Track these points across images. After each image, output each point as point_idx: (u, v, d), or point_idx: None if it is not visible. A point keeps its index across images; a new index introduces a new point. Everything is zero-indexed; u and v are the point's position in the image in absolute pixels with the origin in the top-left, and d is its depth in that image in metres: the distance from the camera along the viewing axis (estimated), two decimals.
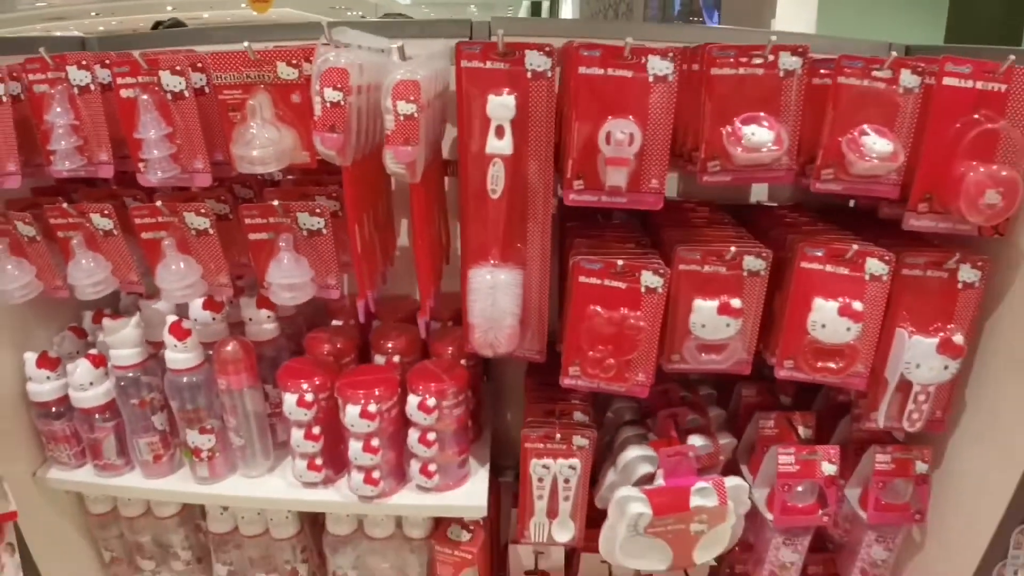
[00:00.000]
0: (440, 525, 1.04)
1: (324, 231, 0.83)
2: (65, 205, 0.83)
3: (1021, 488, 0.83)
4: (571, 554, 1.09)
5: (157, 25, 4.08)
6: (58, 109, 0.79)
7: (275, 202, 0.80)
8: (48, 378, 0.95)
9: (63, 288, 0.90)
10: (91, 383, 0.94)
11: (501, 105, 0.74)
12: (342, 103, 0.70)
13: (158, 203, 0.81)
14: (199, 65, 0.76)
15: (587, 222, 0.96)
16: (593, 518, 0.97)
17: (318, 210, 0.81)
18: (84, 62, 0.77)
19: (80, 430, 0.98)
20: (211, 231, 0.83)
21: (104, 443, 0.97)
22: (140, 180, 0.80)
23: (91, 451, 0.98)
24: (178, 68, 0.75)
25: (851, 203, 1.07)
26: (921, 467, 0.93)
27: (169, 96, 0.76)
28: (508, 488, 1.15)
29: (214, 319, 0.96)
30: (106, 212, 0.83)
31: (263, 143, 0.76)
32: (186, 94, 0.76)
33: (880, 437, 0.97)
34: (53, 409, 0.97)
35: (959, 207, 0.76)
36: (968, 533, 0.90)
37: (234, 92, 0.76)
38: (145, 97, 0.75)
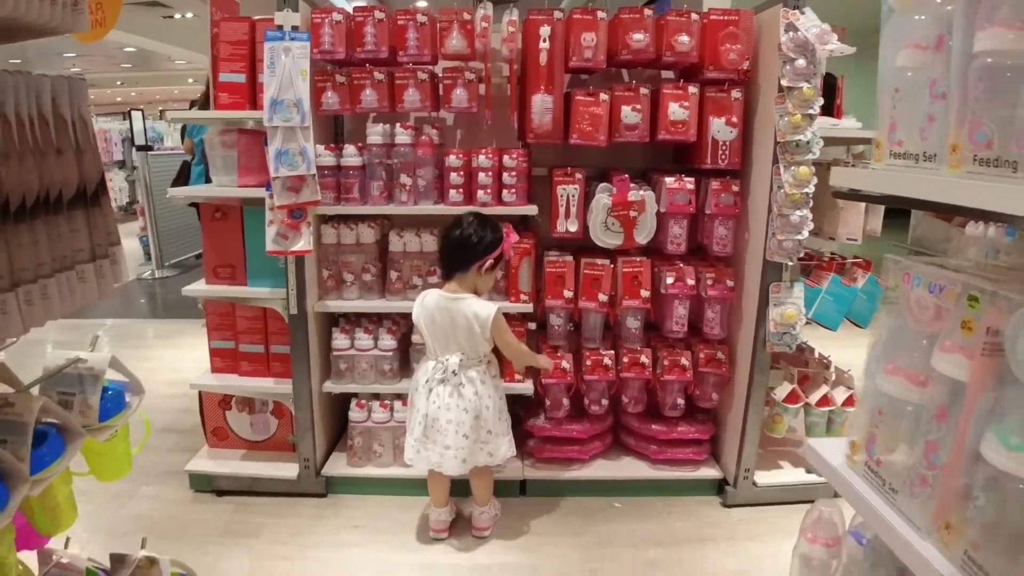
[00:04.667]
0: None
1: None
2: (368, 66, 2.51)
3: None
4: (576, 259, 2.64)
5: (192, 105, 5.96)
6: (370, 28, 2.48)
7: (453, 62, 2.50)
8: (330, 155, 2.55)
9: (350, 109, 2.55)
10: (353, 155, 2.55)
11: (544, 35, 2.46)
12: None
13: (409, 64, 2.49)
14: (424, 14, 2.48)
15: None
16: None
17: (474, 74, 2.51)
18: (380, 15, 2.48)
19: (340, 181, 2.56)
20: (426, 80, 2.50)
21: (354, 186, 2.56)
22: (399, 58, 2.49)
23: (344, 190, 2.57)
24: (422, 19, 2.46)
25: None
26: (735, 188, 2.56)
27: (416, 23, 2.47)
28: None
29: (408, 133, 2.58)
30: (379, 71, 2.51)
31: (455, 44, 2.47)
32: (425, 24, 2.47)
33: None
34: (326, 171, 2.55)
35: (722, 65, 2.47)
36: (758, 221, 2.50)
37: (445, 19, 2.48)
38: (412, 24, 2.46)
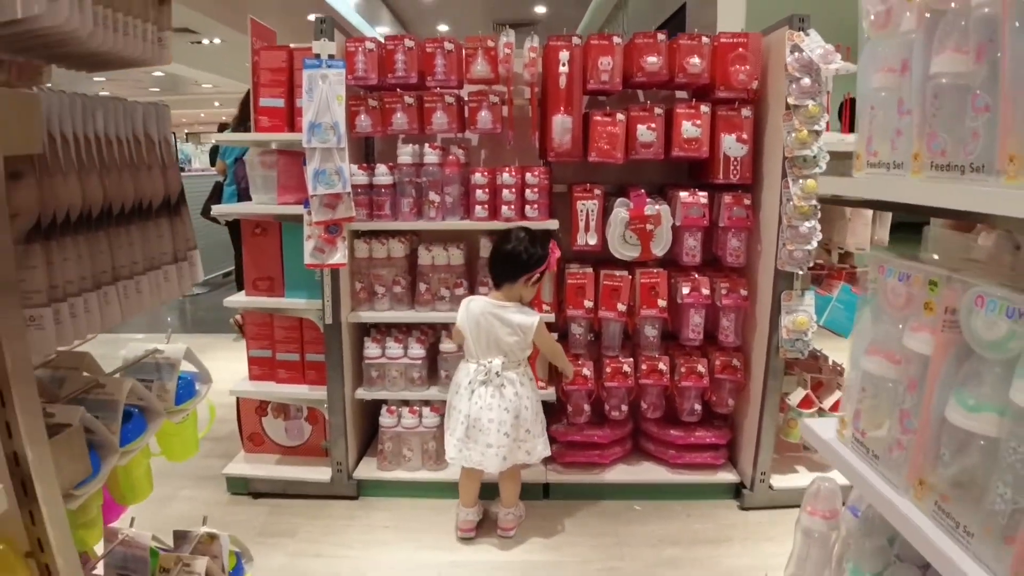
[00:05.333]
0: None
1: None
2: (398, 91, 2.72)
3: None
4: (596, 270, 2.82)
5: (222, 128, 6.21)
6: (400, 55, 2.70)
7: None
8: (363, 174, 2.76)
9: (382, 132, 2.76)
10: (385, 174, 2.76)
11: (564, 60, 2.67)
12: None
13: (437, 88, 2.71)
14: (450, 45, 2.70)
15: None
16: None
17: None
18: (409, 43, 2.70)
19: (372, 198, 2.77)
20: (452, 103, 2.71)
21: (386, 203, 2.77)
22: (428, 83, 2.71)
23: (376, 207, 2.78)
24: (447, 46, 2.68)
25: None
26: (747, 201, 2.73)
27: (444, 50, 2.68)
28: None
29: (436, 153, 2.79)
30: (409, 95, 2.72)
31: (480, 69, 2.67)
32: (452, 51, 2.68)
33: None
34: (360, 189, 2.76)
35: (732, 85, 2.66)
36: (769, 232, 2.67)
37: (470, 46, 2.69)
38: (440, 51, 2.68)
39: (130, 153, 1.26)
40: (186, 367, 1.53)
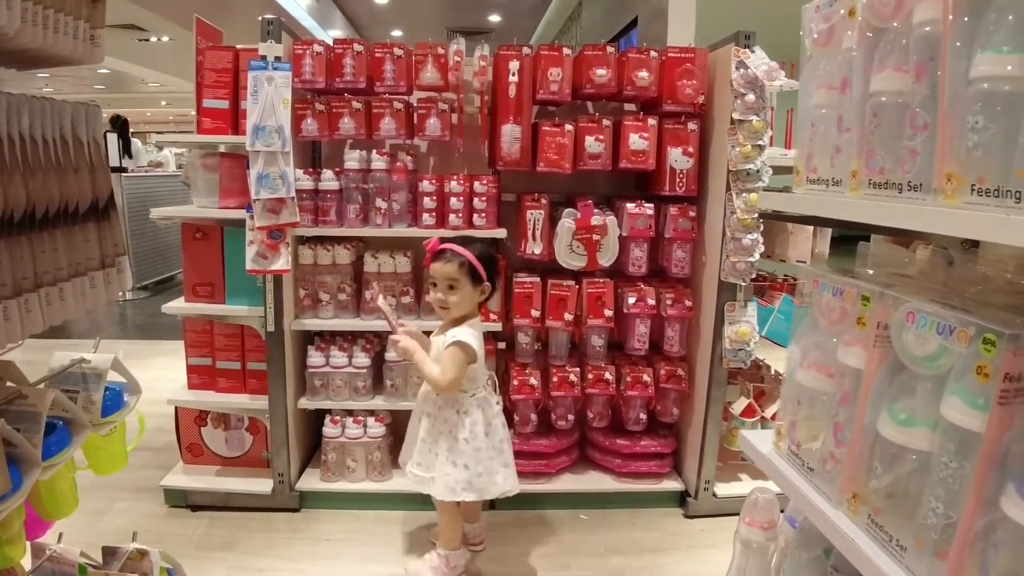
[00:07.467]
0: None
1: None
2: (346, 95, 2.68)
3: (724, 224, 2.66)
4: (544, 280, 2.81)
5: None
6: (349, 59, 2.66)
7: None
8: (309, 179, 2.71)
9: (329, 136, 2.72)
10: (331, 179, 2.71)
11: (514, 69, 2.67)
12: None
13: (385, 94, 2.67)
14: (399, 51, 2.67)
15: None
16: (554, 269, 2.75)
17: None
18: (358, 47, 2.67)
19: (318, 204, 2.72)
20: (401, 110, 2.68)
21: (331, 209, 2.72)
22: (376, 88, 2.67)
23: (321, 212, 2.73)
24: (398, 53, 2.66)
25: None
26: (692, 213, 2.76)
27: (393, 55, 2.66)
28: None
29: (384, 159, 2.75)
30: (357, 100, 2.69)
31: (430, 76, 2.65)
32: (401, 57, 2.66)
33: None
34: (305, 194, 2.71)
35: (679, 99, 2.69)
36: (713, 244, 2.71)
37: (420, 52, 2.67)
38: (389, 56, 2.65)
39: (56, 154, 1.20)
40: (115, 377, 1.47)
